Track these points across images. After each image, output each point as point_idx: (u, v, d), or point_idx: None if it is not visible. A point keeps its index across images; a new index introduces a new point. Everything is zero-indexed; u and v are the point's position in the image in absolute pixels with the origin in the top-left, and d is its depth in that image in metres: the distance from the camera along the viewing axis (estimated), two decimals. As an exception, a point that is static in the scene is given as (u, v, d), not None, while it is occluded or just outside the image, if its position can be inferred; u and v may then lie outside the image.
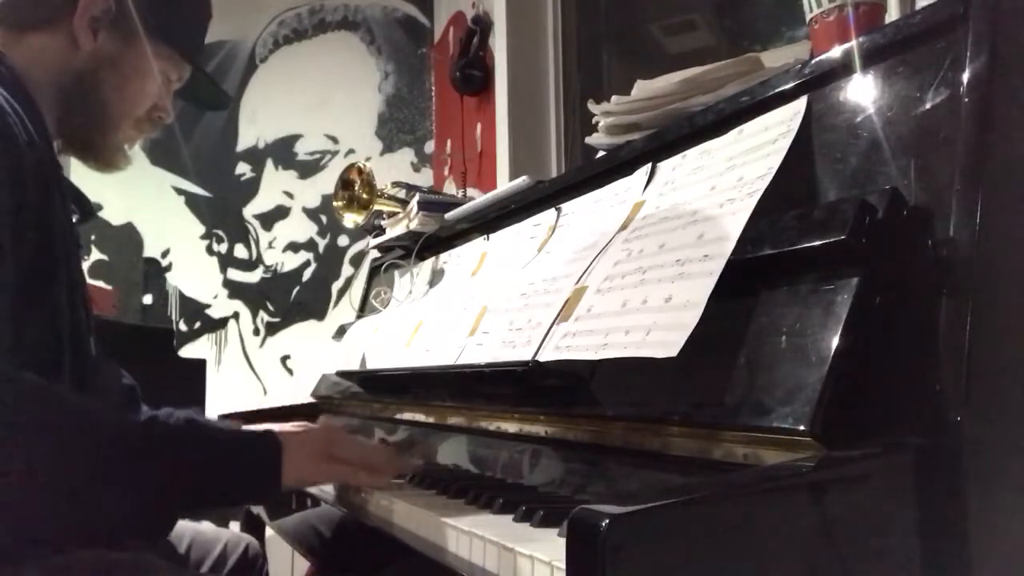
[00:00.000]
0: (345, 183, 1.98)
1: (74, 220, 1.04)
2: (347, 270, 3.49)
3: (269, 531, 1.66)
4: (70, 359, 0.95)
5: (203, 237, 3.73)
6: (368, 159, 3.32)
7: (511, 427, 1.06)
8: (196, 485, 0.89)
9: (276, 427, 1.05)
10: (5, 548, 0.82)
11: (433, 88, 3.34)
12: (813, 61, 0.85)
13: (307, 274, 3.57)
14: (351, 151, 3.51)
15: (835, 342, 0.65)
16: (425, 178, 3.27)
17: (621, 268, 0.90)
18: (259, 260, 3.66)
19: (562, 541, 0.52)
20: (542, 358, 0.92)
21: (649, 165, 1.04)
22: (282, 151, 3.65)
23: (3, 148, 0.86)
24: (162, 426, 0.92)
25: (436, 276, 1.61)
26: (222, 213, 3.71)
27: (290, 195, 3.63)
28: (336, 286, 3.50)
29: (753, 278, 0.75)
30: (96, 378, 1.03)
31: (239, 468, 0.92)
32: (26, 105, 0.94)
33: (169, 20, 1.10)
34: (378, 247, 1.97)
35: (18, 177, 0.87)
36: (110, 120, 1.09)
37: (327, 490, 1.13)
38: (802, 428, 0.63)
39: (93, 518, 0.83)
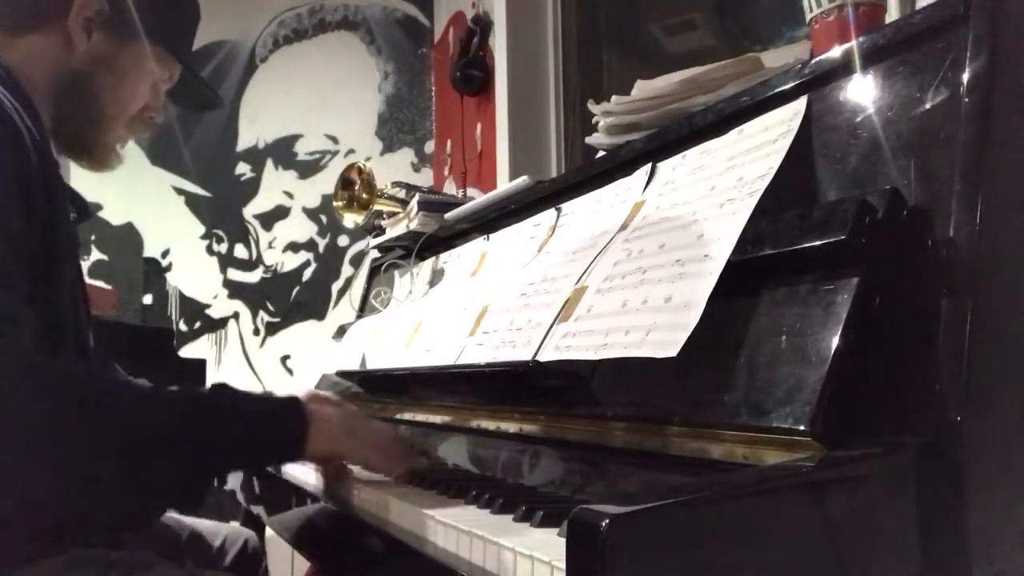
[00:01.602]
0: (345, 183, 1.98)
1: (71, 219, 1.05)
2: (347, 270, 3.49)
3: (269, 529, 1.65)
4: (73, 356, 0.97)
5: (203, 237, 3.73)
6: (368, 159, 3.33)
7: (511, 427, 1.06)
8: (227, 450, 0.92)
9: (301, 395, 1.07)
10: (36, 534, 0.83)
11: (433, 88, 3.34)
12: (813, 61, 0.85)
13: (307, 274, 3.58)
14: (351, 151, 3.51)
15: (835, 342, 0.65)
16: (425, 178, 3.27)
17: (621, 268, 0.90)
18: (259, 260, 3.66)
19: (562, 541, 0.52)
20: (542, 358, 0.92)
21: (649, 165, 1.04)
22: (282, 151, 3.65)
23: (11, 149, 0.88)
24: (192, 394, 0.94)
25: (436, 276, 1.61)
26: (222, 213, 3.71)
27: (290, 195, 3.63)
28: (336, 286, 3.50)
29: (753, 278, 0.75)
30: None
31: (268, 435, 0.95)
32: (25, 105, 0.95)
33: (159, 20, 1.12)
34: (378, 247, 1.97)
35: (26, 177, 0.89)
36: (104, 120, 1.10)
37: (326, 489, 1.13)
38: (802, 428, 0.63)
39: (133, 491, 0.85)
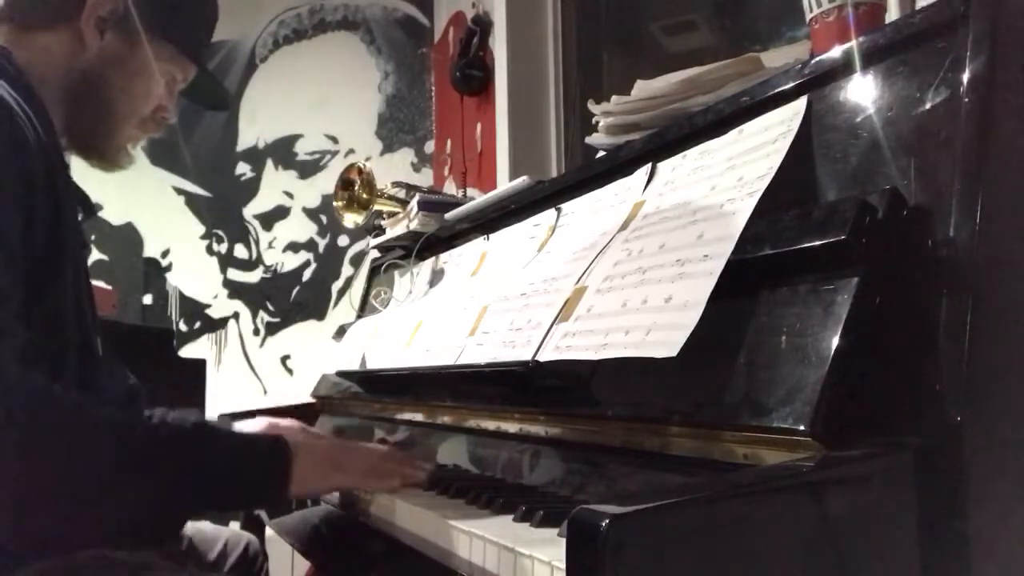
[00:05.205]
0: (345, 183, 1.98)
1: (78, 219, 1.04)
2: (347, 270, 3.49)
3: (269, 530, 1.66)
4: (76, 360, 0.95)
5: (203, 237, 3.73)
6: (368, 159, 3.32)
7: (511, 427, 1.06)
8: (203, 490, 0.88)
9: (286, 424, 1.05)
10: (9, 550, 0.82)
11: (433, 88, 3.34)
12: (813, 61, 0.85)
13: (307, 274, 3.57)
14: (351, 151, 3.51)
15: (835, 342, 0.65)
16: (425, 178, 3.27)
17: (621, 268, 0.90)
18: (259, 260, 3.66)
19: (562, 541, 0.52)
20: (542, 358, 0.92)
21: (649, 165, 1.04)
22: (282, 151, 3.65)
23: (14, 152, 0.86)
24: (171, 429, 0.90)
25: (436, 276, 1.61)
26: (222, 213, 3.71)
27: (290, 195, 3.63)
28: (336, 286, 3.50)
29: (753, 278, 0.75)
30: (102, 379, 1.04)
31: (247, 476, 0.91)
32: (33, 105, 0.94)
33: (175, 21, 1.11)
34: (378, 247, 1.97)
35: (29, 181, 0.87)
36: (115, 120, 1.09)
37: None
38: (802, 428, 0.63)
39: (100, 521, 0.83)
